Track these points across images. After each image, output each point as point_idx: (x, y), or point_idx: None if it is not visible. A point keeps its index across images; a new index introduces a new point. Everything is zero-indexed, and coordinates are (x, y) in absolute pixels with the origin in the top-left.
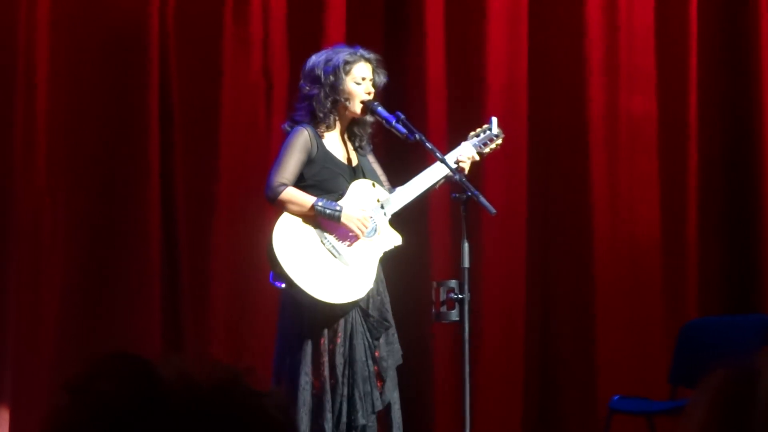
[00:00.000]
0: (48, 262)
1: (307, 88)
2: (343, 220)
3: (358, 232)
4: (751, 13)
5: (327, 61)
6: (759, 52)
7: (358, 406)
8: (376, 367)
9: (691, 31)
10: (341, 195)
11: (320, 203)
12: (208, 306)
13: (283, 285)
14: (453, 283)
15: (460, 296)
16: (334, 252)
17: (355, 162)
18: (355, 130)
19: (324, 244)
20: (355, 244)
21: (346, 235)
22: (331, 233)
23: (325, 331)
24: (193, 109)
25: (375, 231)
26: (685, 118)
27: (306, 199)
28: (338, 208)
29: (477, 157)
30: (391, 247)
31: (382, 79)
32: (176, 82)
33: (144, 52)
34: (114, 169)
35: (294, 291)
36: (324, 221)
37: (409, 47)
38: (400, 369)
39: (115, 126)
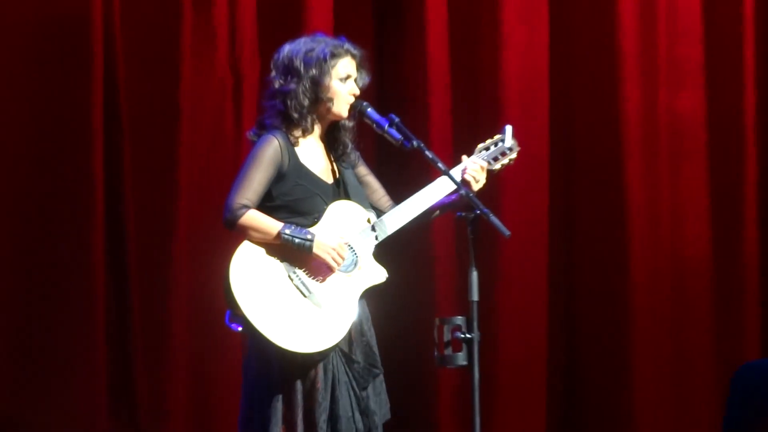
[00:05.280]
0: None
1: (281, 81)
2: (315, 250)
3: (332, 264)
4: None
5: (308, 51)
6: None
7: None
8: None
9: (745, 15)
10: (317, 218)
11: (288, 230)
12: (165, 351)
13: (240, 329)
14: (459, 319)
15: (468, 336)
16: (304, 290)
17: (336, 177)
18: (336, 135)
19: (292, 281)
20: (329, 279)
21: (319, 269)
22: (300, 267)
23: (299, 383)
24: (146, 111)
25: (355, 264)
26: (740, 117)
27: (271, 225)
28: (309, 236)
29: (483, 177)
30: (374, 284)
31: (365, 80)
32: (124, 80)
33: (86, 44)
34: (52, 186)
35: (254, 336)
36: (293, 252)
37: (406, 36)
38: (395, 422)
39: (52, 136)
